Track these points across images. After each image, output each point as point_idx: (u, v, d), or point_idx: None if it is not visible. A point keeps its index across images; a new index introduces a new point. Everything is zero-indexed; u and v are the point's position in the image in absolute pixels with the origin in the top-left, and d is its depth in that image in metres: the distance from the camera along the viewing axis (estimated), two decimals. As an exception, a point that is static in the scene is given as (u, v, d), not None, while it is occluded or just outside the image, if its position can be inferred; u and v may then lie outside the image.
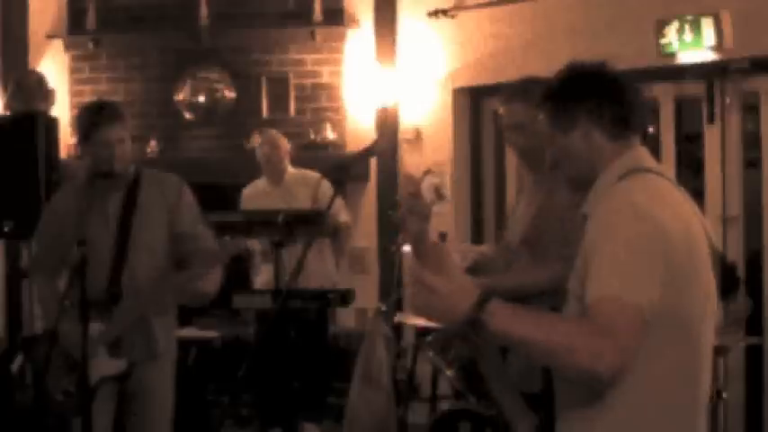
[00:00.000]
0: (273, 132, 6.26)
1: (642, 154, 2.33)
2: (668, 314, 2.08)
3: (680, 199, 2.26)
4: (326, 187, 5.43)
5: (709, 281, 2.22)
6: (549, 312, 2.20)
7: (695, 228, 2.21)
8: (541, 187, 3.52)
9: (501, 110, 3.61)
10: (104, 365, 3.86)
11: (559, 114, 2.33)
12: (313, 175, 5.89)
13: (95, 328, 3.82)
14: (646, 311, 2.03)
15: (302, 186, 5.89)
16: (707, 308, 2.20)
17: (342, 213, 6.07)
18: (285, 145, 6.12)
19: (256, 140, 6.97)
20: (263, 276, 6.05)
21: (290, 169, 6.11)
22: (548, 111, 2.36)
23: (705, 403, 2.24)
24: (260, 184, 6.16)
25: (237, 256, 4.41)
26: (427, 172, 2.35)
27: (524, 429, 2.55)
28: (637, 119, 2.32)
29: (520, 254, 3.51)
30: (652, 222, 2.11)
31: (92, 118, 3.91)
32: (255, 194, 6.10)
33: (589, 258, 2.11)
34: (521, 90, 3.48)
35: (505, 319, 2.01)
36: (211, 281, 4.07)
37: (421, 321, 5.01)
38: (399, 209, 2.17)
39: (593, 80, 2.32)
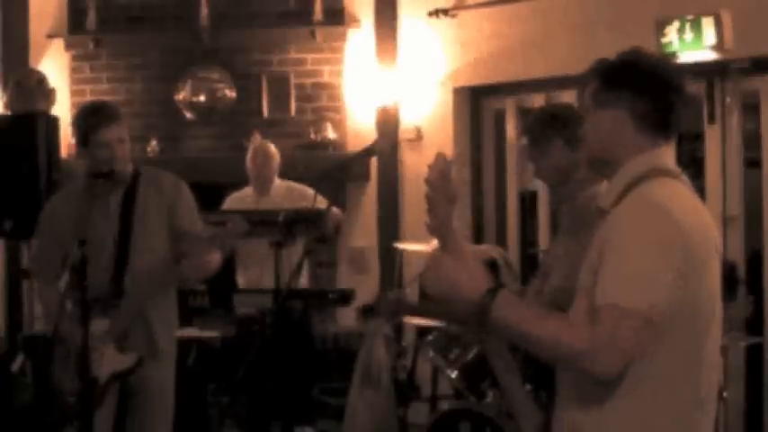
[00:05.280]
0: (266, 144, 6.20)
1: (666, 156, 2.34)
2: (679, 310, 2.11)
3: (697, 204, 2.29)
4: (321, 202, 5.44)
5: (717, 284, 2.25)
6: (550, 311, 2.23)
7: (710, 232, 2.25)
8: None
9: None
10: (114, 361, 3.86)
11: (601, 90, 2.33)
12: (299, 187, 5.89)
13: (102, 325, 3.82)
14: (654, 317, 2.07)
15: (288, 198, 5.86)
16: (715, 308, 2.24)
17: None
18: (277, 157, 6.09)
19: (256, 141, 6.97)
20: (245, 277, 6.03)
21: (277, 180, 6.09)
22: (593, 83, 2.35)
23: (710, 401, 2.25)
24: (246, 192, 6.13)
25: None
26: (456, 156, 2.27)
27: (529, 426, 2.55)
28: (671, 124, 2.32)
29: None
30: (672, 222, 2.14)
31: (90, 120, 3.91)
32: (240, 202, 6.05)
33: (604, 256, 2.14)
34: None
35: (507, 311, 2.07)
36: (212, 262, 4.08)
37: (422, 321, 5.02)
38: (429, 188, 2.14)
39: (644, 72, 2.31)
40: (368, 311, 4.67)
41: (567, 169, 3.39)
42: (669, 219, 2.15)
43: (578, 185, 3.34)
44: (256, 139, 6.70)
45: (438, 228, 2.12)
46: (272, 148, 6.14)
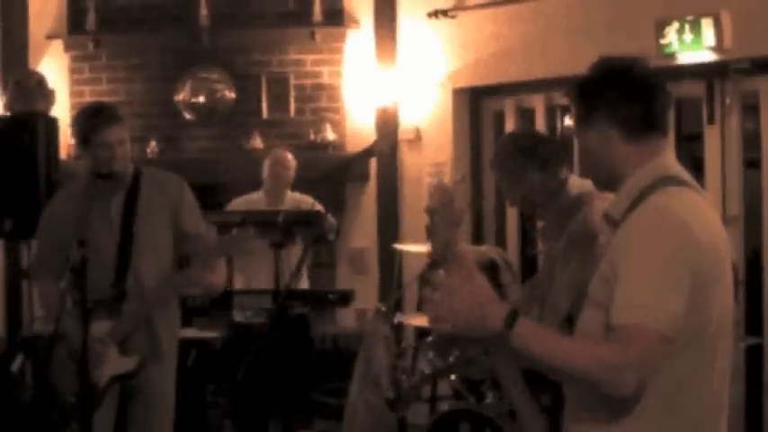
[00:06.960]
0: (285, 154, 6.11)
1: (670, 161, 2.29)
2: (692, 325, 2.09)
3: (708, 212, 2.24)
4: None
5: (729, 294, 2.22)
6: (572, 336, 2.19)
7: (721, 242, 2.21)
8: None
9: None
10: (115, 364, 3.86)
11: (577, 112, 2.30)
12: (307, 199, 5.88)
13: (104, 326, 3.82)
14: (672, 336, 2.05)
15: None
16: (723, 321, 2.20)
17: None
18: (294, 166, 6.04)
19: (256, 141, 6.98)
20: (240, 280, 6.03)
21: (289, 192, 6.07)
22: (571, 107, 2.33)
23: (720, 411, 2.23)
24: (255, 198, 6.07)
25: None
26: (459, 181, 2.23)
27: None
28: (660, 122, 2.28)
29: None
30: (684, 235, 2.10)
31: (91, 121, 3.91)
32: (249, 207, 6.01)
33: (618, 269, 2.11)
34: None
35: (531, 338, 2.04)
36: (218, 273, 4.07)
37: (422, 321, 5.02)
38: (431, 218, 2.11)
39: (616, 77, 2.26)
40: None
41: (544, 192, 3.41)
42: (682, 233, 2.11)
43: (564, 212, 3.34)
44: (276, 148, 6.47)
45: (442, 253, 2.08)
46: (290, 157, 6.07)
